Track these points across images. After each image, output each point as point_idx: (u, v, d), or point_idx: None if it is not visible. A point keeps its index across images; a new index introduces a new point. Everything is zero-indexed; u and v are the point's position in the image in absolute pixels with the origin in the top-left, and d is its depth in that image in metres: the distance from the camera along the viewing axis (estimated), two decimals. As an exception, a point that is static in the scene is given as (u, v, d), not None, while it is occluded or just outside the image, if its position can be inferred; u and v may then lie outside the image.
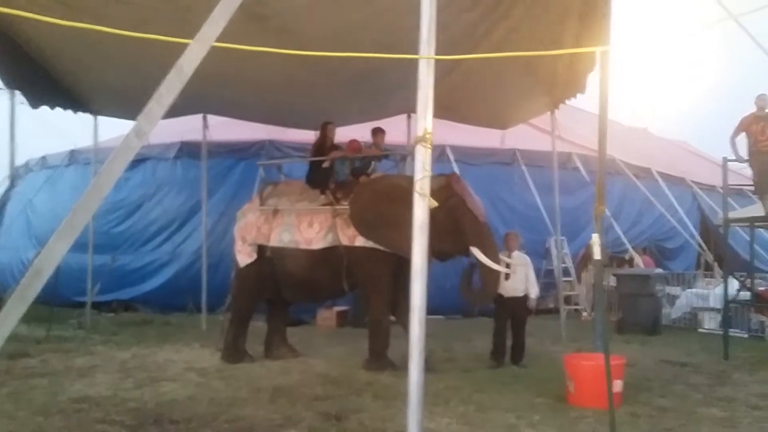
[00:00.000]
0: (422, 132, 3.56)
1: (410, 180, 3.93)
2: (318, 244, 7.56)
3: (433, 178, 7.16)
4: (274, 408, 5.57)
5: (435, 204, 3.76)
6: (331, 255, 7.50)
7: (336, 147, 8.32)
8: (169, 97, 2.90)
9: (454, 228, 7.03)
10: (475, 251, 7.09)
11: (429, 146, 3.58)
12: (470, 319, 11.31)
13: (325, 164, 8.06)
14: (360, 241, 7.31)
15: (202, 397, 5.91)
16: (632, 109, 23.98)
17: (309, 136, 12.33)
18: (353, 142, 8.29)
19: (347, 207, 7.44)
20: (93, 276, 10.93)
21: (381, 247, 7.18)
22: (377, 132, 8.25)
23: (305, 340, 8.14)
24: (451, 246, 7.14)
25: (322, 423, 5.13)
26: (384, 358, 7.21)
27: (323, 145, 8.33)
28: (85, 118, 10.48)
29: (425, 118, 3.60)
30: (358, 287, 7.83)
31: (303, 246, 7.64)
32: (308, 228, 7.66)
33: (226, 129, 12.25)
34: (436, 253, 7.09)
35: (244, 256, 8.06)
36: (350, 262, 7.45)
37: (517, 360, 7.55)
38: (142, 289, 12.49)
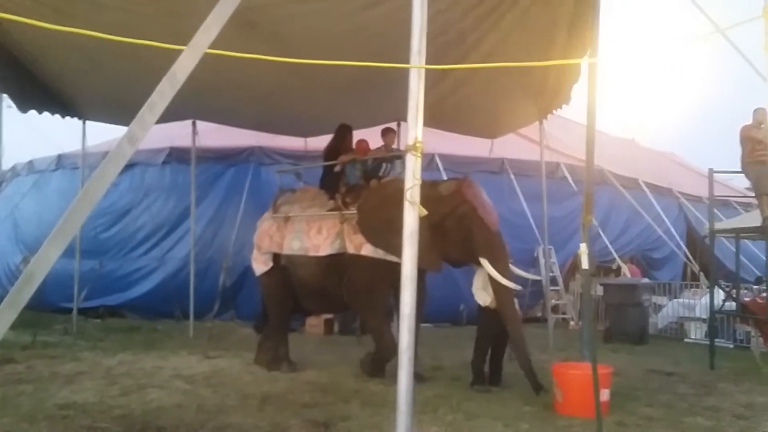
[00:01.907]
0: (413, 140, 3.59)
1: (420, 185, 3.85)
2: (325, 251, 7.33)
3: (445, 183, 7.25)
4: (261, 415, 5.56)
5: (425, 212, 3.76)
6: (338, 262, 7.26)
7: (349, 150, 8.05)
8: (162, 104, 2.91)
9: (464, 236, 6.73)
10: (485, 263, 6.65)
11: (419, 155, 3.61)
12: (459, 327, 11.34)
13: (337, 168, 7.86)
14: (367, 250, 7.01)
15: (190, 405, 5.88)
16: (621, 120, 24.20)
17: (299, 143, 12.42)
18: (361, 142, 8.06)
19: (355, 212, 7.20)
20: (80, 282, 10.84)
21: (388, 257, 6.70)
22: (387, 132, 8.01)
23: (293, 347, 8.09)
24: (461, 255, 6.89)
25: (310, 430, 5.13)
26: (383, 364, 7.03)
27: (336, 149, 8.06)
28: (72, 122, 10.43)
29: (416, 127, 3.62)
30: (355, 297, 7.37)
31: (312, 253, 7.43)
32: (317, 234, 7.43)
33: (215, 135, 12.22)
34: (448, 260, 7.04)
35: (260, 265, 7.99)
36: (351, 271, 7.18)
37: (497, 382, 6.96)
38: (129, 295, 12.39)
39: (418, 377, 5.88)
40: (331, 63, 4.19)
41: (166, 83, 2.94)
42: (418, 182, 3.65)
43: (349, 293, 7.28)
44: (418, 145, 3.57)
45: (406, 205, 3.65)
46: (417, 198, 3.66)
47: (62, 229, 2.69)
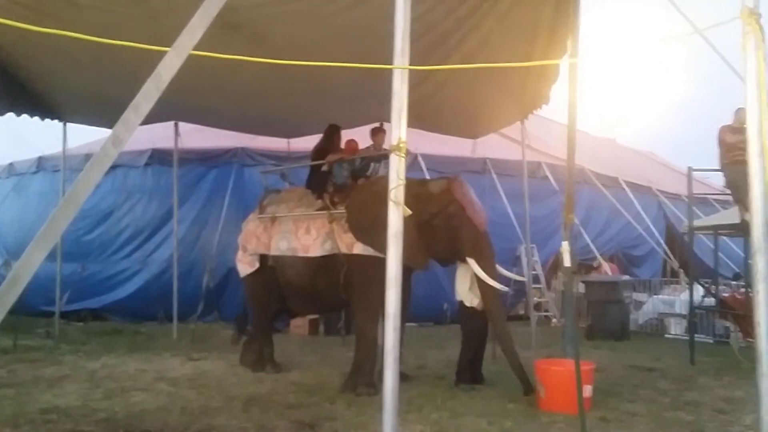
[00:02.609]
0: (396, 141, 3.61)
1: (409, 183, 3.85)
2: (315, 252, 7.24)
3: (434, 182, 7.26)
4: (246, 417, 5.56)
5: (409, 212, 3.78)
6: (331, 263, 7.15)
7: (338, 150, 7.97)
8: (147, 105, 2.92)
9: (452, 235, 6.74)
10: (471, 263, 6.67)
11: (403, 155, 3.63)
12: (442, 326, 11.39)
13: (324, 167, 7.79)
14: (358, 248, 6.90)
15: (174, 407, 5.87)
16: (602, 120, 24.42)
17: (281, 143, 12.40)
18: (350, 142, 8.01)
19: (344, 212, 7.12)
20: (62, 285, 10.74)
21: (378, 254, 6.49)
22: (377, 132, 7.93)
23: (277, 348, 8.08)
24: (448, 253, 6.91)
25: (295, 431, 5.14)
26: (364, 374, 6.67)
27: (325, 149, 8.00)
28: (52, 125, 10.33)
29: (399, 127, 3.65)
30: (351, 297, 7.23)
31: (301, 253, 7.35)
32: (305, 235, 7.35)
33: (198, 136, 12.19)
34: (435, 258, 7.04)
35: (245, 266, 7.95)
36: (349, 270, 7.05)
37: (480, 380, 7.00)
38: (111, 297, 12.29)
39: (403, 376, 5.87)
40: (315, 64, 4.20)
41: (150, 85, 2.95)
42: (403, 182, 3.67)
43: (348, 292, 7.14)
44: (402, 145, 3.59)
45: (391, 205, 3.67)
46: (401, 198, 3.68)
47: (47, 231, 2.69)
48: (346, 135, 8.25)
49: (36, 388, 6.59)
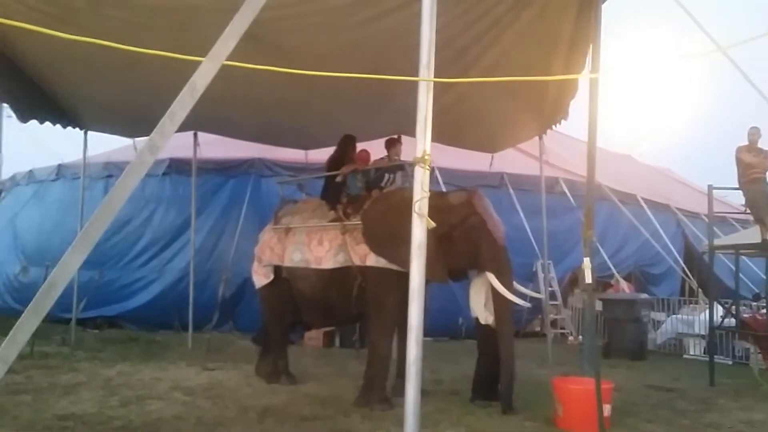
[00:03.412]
0: (421, 153, 3.61)
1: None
2: (328, 264, 7.15)
3: (454, 193, 7.22)
4: (262, 428, 5.55)
5: (433, 225, 3.75)
6: (343, 275, 7.07)
7: (352, 161, 7.95)
8: (182, 113, 2.97)
9: (471, 248, 6.62)
10: (490, 277, 6.55)
11: (428, 167, 3.63)
12: (457, 341, 11.32)
13: (338, 178, 7.78)
14: (371, 260, 6.79)
15: (189, 417, 5.86)
16: (625, 136, 24.29)
17: (299, 155, 12.45)
18: (362, 153, 8.01)
19: (357, 223, 7.02)
20: (79, 292, 10.79)
21: (392, 266, 6.60)
22: (393, 143, 7.87)
23: (292, 360, 8.06)
24: (466, 266, 6.81)
25: (311, 444, 5.13)
26: (377, 390, 6.60)
27: (339, 160, 7.99)
28: (71, 132, 10.42)
29: (424, 140, 3.65)
30: (365, 310, 7.12)
31: (314, 265, 7.28)
32: (318, 246, 7.28)
33: (216, 147, 12.25)
34: (451, 272, 6.80)
35: (260, 277, 7.93)
36: (362, 283, 6.97)
37: (497, 397, 6.65)
38: (127, 306, 12.36)
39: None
40: (339, 75, 4.19)
41: (186, 93, 3.01)
42: (427, 194, 3.66)
43: (361, 305, 7.07)
44: (426, 157, 3.59)
45: (415, 218, 3.66)
46: (425, 210, 3.66)
47: (85, 236, 2.75)
48: (363, 147, 8.26)
49: (52, 394, 6.61)
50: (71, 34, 4.42)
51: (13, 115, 9.27)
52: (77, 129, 10.51)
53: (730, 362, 10.51)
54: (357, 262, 6.94)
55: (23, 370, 7.74)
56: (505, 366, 6.51)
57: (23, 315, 2.59)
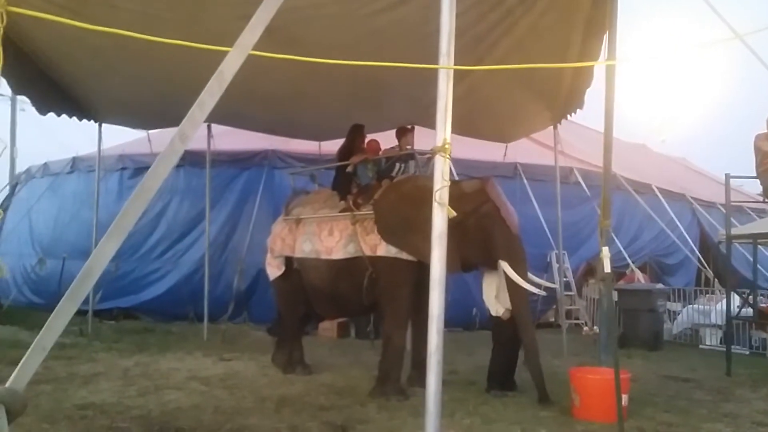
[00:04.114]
0: (441, 142, 3.60)
1: None
2: (338, 254, 7.12)
3: (467, 182, 7.18)
4: (279, 417, 5.58)
5: (453, 214, 3.74)
6: (354, 266, 7.03)
7: (362, 150, 7.94)
8: (211, 102, 3.00)
9: (483, 237, 6.55)
10: (504, 266, 6.50)
11: (448, 156, 3.61)
12: (471, 332, 11.32)
13: (349, 169, 7.78)
14: (382, 250, 6.76)
15: (207, 406, 5.92)
16: (642, 125, 24.07)
17: (312, 146, 12.45)
18: (372, 142, 8.00)
19: (368, 213, 6.99)
20: (95, 283, 10.87)
21: (404, 256, 6.62)
22: (405, 132, 7.80)
23: (307, 350, 8.10)
24: (478, 256, 6.71)
25: (328, 433, 5.15)
26: (392, 382, 6.59)
27: (348, 150, 7.98)
28: (86, 125, 10.47)
29: (444, 128, 3.64)
30: (377, 301, 7.10)
31: (324, 256, 7.26)
32: (329, 236, 7.26)
33: (229, 138, 12.27)
34: (463, 262, 6.66)
35: (273, 269, 7.96)
36: (373, 273, 6.92)
37: (513, 387, 6.92)
38: (143, 297, 12.45)
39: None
40: (356, 63, 4.18)
41: (214, 82, 3.04)
42: (447, 183, 3.65)
43: (372, 296, 7.04)
44: (447, 146, 3.59)
45: (435, 207, 3.66)
46: (446, 199, 3.66)
47: (119, 225, 2.80)
48: (377, 138, 8.24)
49: (71, 384, 6.69)
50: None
51: (26, 108, 9.33)
52: (92, 122, 10.56)
53: (747, 352, 10.43)
54: (367, 252, 6.91)
55: (42, 360, 7.81)
56: (531, 357, 6.52)
57: (61, 302, 2.63)
